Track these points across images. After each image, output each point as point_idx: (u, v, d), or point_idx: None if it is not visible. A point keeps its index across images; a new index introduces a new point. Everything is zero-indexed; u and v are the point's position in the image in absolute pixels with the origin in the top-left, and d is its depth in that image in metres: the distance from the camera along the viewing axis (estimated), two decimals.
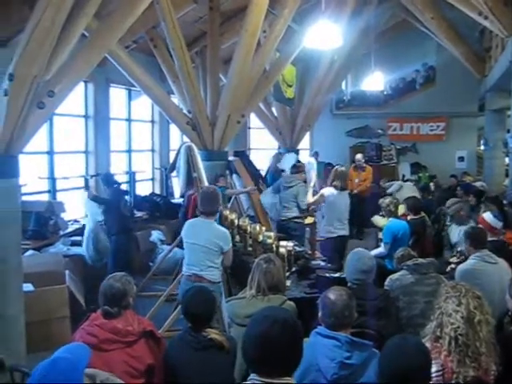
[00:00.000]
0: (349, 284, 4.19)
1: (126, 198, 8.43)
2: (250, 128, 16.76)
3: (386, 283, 4.92)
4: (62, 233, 8.26)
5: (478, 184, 11.44)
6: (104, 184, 8.50)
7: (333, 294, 3.30)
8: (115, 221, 7.99)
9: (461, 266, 5.12)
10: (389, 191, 10.76)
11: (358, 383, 3.03)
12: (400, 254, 5.32)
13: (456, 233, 7.35)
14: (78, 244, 8.03)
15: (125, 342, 3.45)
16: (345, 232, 7.95)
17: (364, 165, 12.69)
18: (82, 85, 9.64)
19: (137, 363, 3.42)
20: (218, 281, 5.40)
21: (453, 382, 3.07)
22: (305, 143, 15.39)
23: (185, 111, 8.91)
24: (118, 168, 10.94)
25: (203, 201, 5.48)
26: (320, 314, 3.30)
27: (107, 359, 3.28)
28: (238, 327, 3.79)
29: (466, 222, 7.28)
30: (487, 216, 6.27)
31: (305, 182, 8.59)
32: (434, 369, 3.09)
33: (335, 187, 7.94)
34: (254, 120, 15.33)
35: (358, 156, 12.75)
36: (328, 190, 7.97)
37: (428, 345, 3.15)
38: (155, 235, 9.77)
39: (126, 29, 5.93)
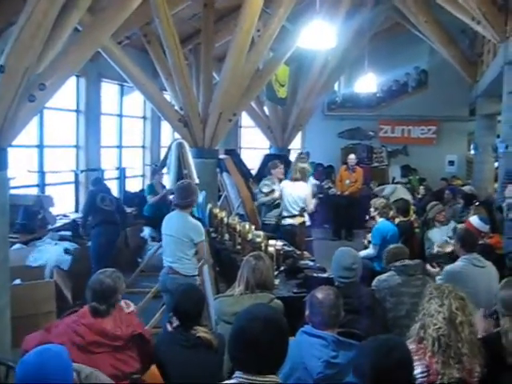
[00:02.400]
0: (336, 283, 4.20)
1: (107, 193, 8.34)
2: (241, 127, 16.76)
3: (373, 283, 4.94)
4: (50, 227, 8.22)
5: (466, 188, 11.50)
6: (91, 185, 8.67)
7: (320, 293, 3.31)
8: (92, 215, 8.09)
9: (449, 267, 5.14)
10: (383, 194, 10.76)
11: (343, 382, 3.03)
12: (392, 252, 5.27)
13: (437, 235, 7.40)
14: (66, 239, 7.98)
15: (112, 346, 3.40)
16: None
17: (355, 166, 12.71)
18: (73, 79, 9.59)
19: (125, 367, 3.38)
20: (191, 274, 5.48)
21: (437, 383, 3.08)
22: (296, 143, 15.40)
23: (177, 108, 8.90)
24: (108, 163, 10.90)
25: (178, 194, 5.63)
26: (307, 312, 3.31)
27: (94, 361, 3.19)
28: (225, 324, 3.79)
29: (446, 223, 7.36)
30: (473, 220, 6.33)
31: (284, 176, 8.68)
32: (418, 370, 3.11)
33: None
34: (245, 119, 15.32)
35: (351, 156, 12.75)
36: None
37: (413, 346, 3.17)
38: (147, 231, 9.73)
39: (120, 24, 5.91)
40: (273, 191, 8.42)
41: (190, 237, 5.40)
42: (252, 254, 4.23)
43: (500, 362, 3.08)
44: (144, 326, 3.82)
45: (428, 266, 5.64)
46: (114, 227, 8.15)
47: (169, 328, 3.65)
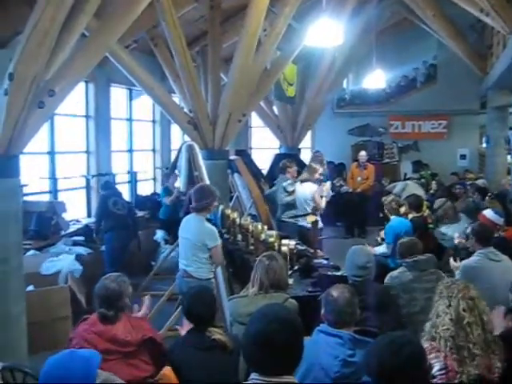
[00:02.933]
0: (350, 281, 4.18)
1: (118, 197, 8.43)
2: (251, 127, 16.74)
3: (385, 280, 4.91)
4: (63, 233, 8.26)
5: (479, 182, 11.41)
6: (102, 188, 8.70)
7: (335, 291, 3.31)
8: (105, 219, 8.14)
9: (465, 262, 5.11)
10: (394, 192, 10.70)
11: (360, 382, 3.00)
12: (405, 245, 5.17)
13: (448, 232, 7.35)
14: (80, 244, 8.02)
15: (124, 353, 3.40)
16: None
17: (366, 163, 12.65)
18: (82, 85, 9.63)
19: (138, 372, 3.38)
20: (205, 278, 5.46)
21: (456, 381, 3.04)
22: (306, 142, 15.37)
23: (186, 110, 8.90)
24: (119, 168, 10.93)
25: (194, 197, 5.61)
26: (323, 311, 3.30)
27: (106, 369, 3.10)
28: (239, 326, 3.78)
29: (455, 221, 7.29)
30: (488, 213, 6.28)
31: (298, 174, 8.69)
32: (436, 367, 3.08)
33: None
34: (255, 119, 15.31)
35: (362, 153, 12.69)
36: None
37: (427, 344, 3.14)
38: (160, 234, 9.75)
39: (126, 28, 5.91)
40: (294, 191, 8.43)
41: (204, 242, 5.38)
42: (265, 254, 4.22)
43: None
44: (155, 330, 3.80)
45: (451, 260, 5.58)
46: (126, 231, 8.19)
47: (181, 332, 3.63)
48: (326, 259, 6.52)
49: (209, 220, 6.18)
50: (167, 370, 3.59)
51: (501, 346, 3.17)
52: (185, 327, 3.63)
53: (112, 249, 7.97)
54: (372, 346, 2.53)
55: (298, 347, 2.20)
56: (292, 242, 5.79)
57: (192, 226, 5.50)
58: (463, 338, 3.10)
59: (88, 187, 9.91)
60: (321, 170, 8.80)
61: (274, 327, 2.14)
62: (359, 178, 12.43)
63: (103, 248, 8.14)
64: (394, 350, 2.34)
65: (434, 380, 3.10)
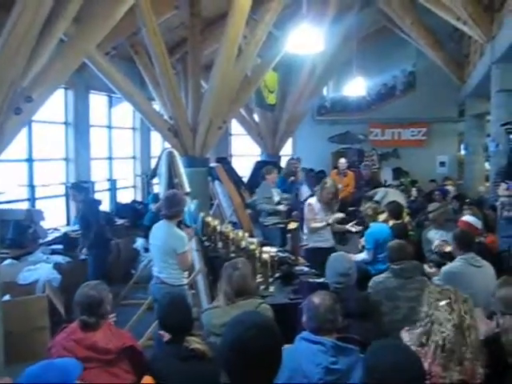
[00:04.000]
0: (331, 288, 4.15)
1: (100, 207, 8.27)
2: (231, 134, 16.72)
3: (370, 284, 4.89)
4: (41, 241, 8.13)
5: (449, 188, 11.50)
6: (76, 192, 8.06)
7: (317, 298, 3.27)
8: (95, 233, 7.74)
9: (446, 268, 5.11)
10: (375, 199, 10.73)
11: None
12: (394, 247, 5.09)
13: (435, 237, 7.36)
14: (58, 252, 7.90)
15: (104, 361, 3.34)
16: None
17: (346, 170, 12.66)
18: (61, 91, 9.54)
19: (118, 381, 3.31)
20: (177, 284, 5.45)
21: None
22: (287, 149, 15.40)
23: (166, 117, 8.86)
24: (98, 175, 10.83)
25: (164, 204, 5.64)
26: (304, 318, 3.27)
27: (86, 377, 3.09)
28: (215, 337, 3.70)
29: (445, 226, 7.31)
30: (467, 217, 6.32)
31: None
32: None
33: None
34: (235, 126, 15.31)
35: (342, 160, 12.66)
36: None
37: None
38: (140, 242, 9.66)
39: (105, 33, 5.87)
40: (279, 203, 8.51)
41: (173, 247, 5.39)
42: (228, 263, 4.15)
43: (501, 362, 3.03)
44: (135, 339, 3.74)
45: (425, 266, 5.59)
46: (111, 244, 8.10)
47: (164, 337, 3.57)
48: (308, 266, 6.50)
49: (185, 224, 6.16)
50: (147, 380, 3.53)
51: (484, 352, 3.16)
52: (166, 333, 3.57)
53: (101, 259, 7.82)
54: (369, 354, 2.49)
55: (276, 354, 2.14)
56: (273, 249, 5.77)
57: (162, 232, 5.51)
58: (459, 343, 3.06)
59: (67, 195, 9.78)
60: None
61: (250, 334, 2.07)
62: (340, 186, 12.40)
63: (83, 257, 7.96)
64: (381, 355, 2.35)
65: None
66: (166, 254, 5.41)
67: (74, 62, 5.56)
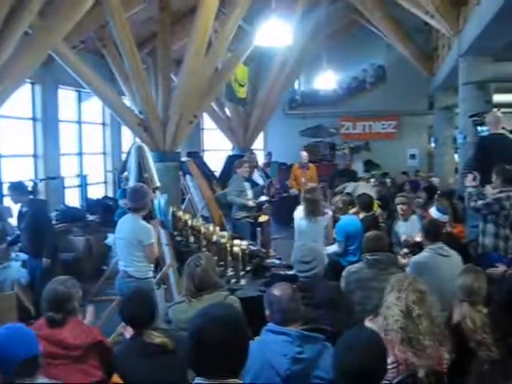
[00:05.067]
0: (300, 279, 4.17)
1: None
2: (203, 129, 16.68)
3: (343, 274, 4.92)
4: (9, 238, 7.99)
5: (434, 180, 11.60)
6: (18, 194, 7.13)
7: (277, 290, 3.30)
8: (46, 239, 7.03)
9: (414, 258, 5.18)
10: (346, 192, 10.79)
11: (311, 377, 3.00)
12: (370, 238, 5.10)
13: (402, 229, 7.44)
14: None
15: (72, 357, 3.29)
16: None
17: (308, 163, 12.67)
18: (28, 86, 9.40)
19: (86, 377, 3.27)
20: (144, 277, 5.42)
21: (405, 373, 3.08)
22: (258, 143, 15.40)
23: (136, 112, 8.79)
24: (68, 171, 10.71)
25: (129, 197, 5.58)
26: (267, 311, 3.28)
27: (53, 374, 3.07)
28: (182, 332, 3.68)
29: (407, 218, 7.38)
30: (432, 211, 6.41)
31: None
32: (388, 361, 3.11)
33: None
34: (207, 121, 15.26)
35: (304, 154, 12.58)
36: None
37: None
38: (111, 238, 9.55)
39: (71, 26, 5.82)
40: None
41: (140, 239, 5.34)
42: (191, 257, 4.14)
43: (463, 348, 3.10)
44: (104, 335, 3.70)
45: (399, 258, 5.66)
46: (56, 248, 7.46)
47: (126, 335, 3.55)
48: (279, 259, 6.52)
49: (152, 218, 6.12)
50: (116, 378, 3.50)
51: (448, 339, 3.24)
52: (129, 329, 3.55)
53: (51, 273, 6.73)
54: (337, 345, 2.56)
55: (239, 346, 2.12)
56: (244, 243, 5.77)
57: (127, 225, 5.46)
58: (412, 330, 3.15)
59: (35, 191, 9.63)
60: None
61: (212, 326, 2.06)
62: (303, 179, 12.44)
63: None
64: (350, 344, 2.43)
65: (388, 374, 3.13)
66: (133, 246, 5.36)
67: (40, 55, 5.50)
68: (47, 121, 9.88)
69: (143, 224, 5.49)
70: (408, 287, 3.30)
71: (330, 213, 6.83)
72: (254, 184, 9.62)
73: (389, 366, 3.08)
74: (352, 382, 2.37)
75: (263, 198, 8.72)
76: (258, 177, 10.44)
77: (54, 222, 9.18)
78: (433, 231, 5.21)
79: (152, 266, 5.61)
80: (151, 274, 5.59)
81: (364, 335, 2.56)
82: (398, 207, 7.10)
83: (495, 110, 7.89)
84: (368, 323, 3.59)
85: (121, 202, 9.03)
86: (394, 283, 3.41)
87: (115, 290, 6.25)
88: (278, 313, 3.19)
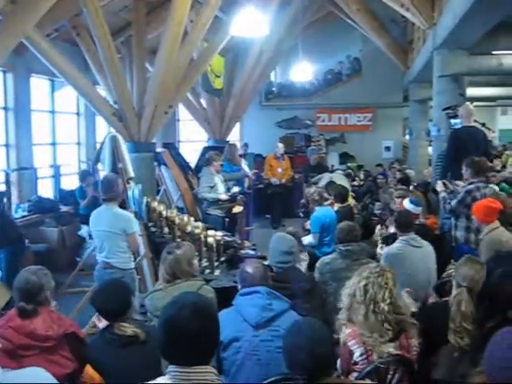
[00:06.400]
0: (274, 269, 4.18)
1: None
2: (179, 120, 16.59)
3: (316, 265, 4.95)
4: None
5: (410, 172, 11.70)
6: None
7: (249, 267, 3.50)
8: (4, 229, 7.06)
9: (387, 249, 5.25)
10: (320, 184, 10.83)
11: (281, 329, 3.16)
12: (343, 229, 5.12)
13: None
14: None
15: (43, 348, 3.25)
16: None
17: (284, 155, 12.74)
18: (0, 75, 9.23)
19: (58, 368, 3.21)
20: (128, 267, 5.41)
21: (375, 363, 3.12)
22: (235, 135, 15.38)
23: (111, 102, 8.69)
24: (41, 162, 10.57)
25: (103, 188, 5.52)
26: (240, 287, 3.48)
27: (24, 365, 3.00)
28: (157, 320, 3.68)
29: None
30: (405, 202, 6.48)
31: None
32: (357, 353, 3.16)
33: None
34: (182, 112, 15.18)
35: (280, 145, 12.69)
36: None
37: (348, 330, 3.26)
38: (85, 229, 9.47)
39: (43, 12, 5.71)
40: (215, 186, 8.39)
41: (123, 228, 5.31)
42: (168, 245, 4.14)
43: (440, 333, 3.16)
44: (78, 326, 3.66)
45: (378, 249, 5.73)
46: (20, 236, 7.45)
47: (100, 326, 3.52)
48: (253, 249, 6.52)
49: (135, 213, 6.10)
50: (88, 368, 3.47)
51: (414, 326, 3.30)
52: (103, 320, 3.52)
53: (15, 257, 7.07)
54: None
55: (210, 335, 2.13)
56: (219, 233, 5.76)
57: (106, 216, 5.39)
58: (374, 318, 3.20)
59: (8, 182, 9.50)
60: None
61: (183, 314, 2.07)
62: (279, 170, 12.50)
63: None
64: (296, 332, 2.55)
65: (356, 366, 3.17)
66: (116, 237, 5.32)
67: (11, 42, 5.40)
68: (19, 110, 9.71)
69: (124, 213, 5.47)
70: (371, 275, 3.32)
71: None
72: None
73: (358, 358, 3.14)
74: (297, 363, 2.47)
75: (235, 190, 8.68)
76: (244, 165, 10.43)
77: (25, 213, 9.11)
78: (404, 222, 5.26)
79: (132, 256, 5.58)
80: (133, 264, 5.56)
81: (308, 320, 2.74)
82: (397, 200, 7.13)
83: (467, 103, 7.97)
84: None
85: (81, 204, 8.92)
86: (361, 271, 3.44)
87: (93, 281, 6.21)
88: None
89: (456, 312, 3.10)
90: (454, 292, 3.30)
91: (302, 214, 7.62)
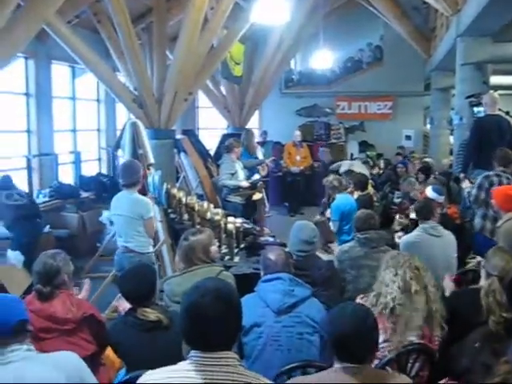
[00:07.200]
0: (294, 257, 4.16)
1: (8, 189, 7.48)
2: (198, 107, 16.59)
3: (335, 253, 4.93)
4: None
5: (428, 159, 11.61)
6: None
7: (272, 254, 3.54)
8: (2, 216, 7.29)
9: (404, 238, 5.22)
10: (340, 171, 10.78)
11: (303, 315, 3.25)
12: (360, 217, 5.08)
13: None
14: None
15: (63, 331, 3.29)
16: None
17: (302, 143, 12.73)
18: (22, 61, 9.30)
19: (79, 350, 3.22)
20: (146, 251, 5.43)
21: (395, 351, 3.10)
22: (254, 122, 15.34)
23: (131, 89, 8.72)
24: (62, 148, 10.65)
25: (122, 173, 5.55)
26: (263, 274, 3.50)
27: (45, 348, 3.03)
28: (176, 305, 3.68)
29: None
30: (427, 191, 6.43)
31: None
32: (380, 339, 3.13)
33: None
34: (202, 99, 15.18)
35: (297, 133, 12.70)
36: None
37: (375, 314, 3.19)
38: (106, 215, 9.52)
39: None
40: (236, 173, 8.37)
41: (140, 213, 5.34)
42: (187, 231, 4.13)
43: (467, 321, 3.15)
44: (97, 309, 3.69)
45: (396, 237, 5.70)
46: (32, 222, 7.49)
47: (119, 307, 3.53)
48: (273, 237, 6.53)
49: (154, 199, 6.12)
50: (109, 351, 3.50)
51: (443, 317, 3.28)
52: (124, 304, 3.54)
53: (20, 245, 7.11)
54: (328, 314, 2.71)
55: (232, 320, 2.12)
56: (238, 220, 5.77)
57: (125, 201, 5.42)
58: (408, 307, 3.20)
59: (29, 168, 9.59)
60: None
61: (205, 300, 2.06)
62: (298, 157, 12.48)
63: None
64: (340, 312, 2.48)
65: (379, 352, 3.15)
66: (134, 221, 5.35)
67: (33, 27, 5.41)
68: (40, 96, 9.77)
69: (142, 198, 5.49)
70: (404, 264, 3.34)
71: None
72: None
73: (382, 344, 3.11)
74: (341, 345, 2.41)
75: (256, 177, 8.67)
76: (260, 153, 10.41)
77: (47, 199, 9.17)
78: (423, 210, 5.22)
79: (151, 240, 5.61)
80: (151, 248, 5.60)
81: (352, 305, 2.64)
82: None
83: (491, 91, 7.86)
84: (359, 301, 3.62)
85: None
86: (389, 260, 3.44)
87: (113, 266, 6.26)
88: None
89: (493, 303, 3.07)
90: (484, 282, 3.28)
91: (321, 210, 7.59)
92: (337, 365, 2.42)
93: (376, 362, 3.15)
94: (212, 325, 2.06)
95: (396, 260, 3.40)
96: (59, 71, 10.66)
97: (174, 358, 2.57)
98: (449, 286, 4.17)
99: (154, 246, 5.86)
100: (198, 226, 6.20)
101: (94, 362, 3.30)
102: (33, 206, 7.55)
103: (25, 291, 5.71)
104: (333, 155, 13.14)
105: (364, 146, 15.46)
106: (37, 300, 3.34)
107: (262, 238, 6.23)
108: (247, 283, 3.94)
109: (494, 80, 10.57)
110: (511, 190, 5.03)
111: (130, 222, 5.37)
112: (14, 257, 6.86)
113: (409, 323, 3.18)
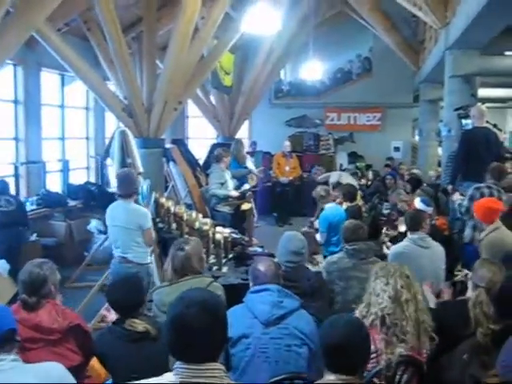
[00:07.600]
0: (282, 267, 4.14)
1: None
2: (188, 117, 16.59)
3: (323, 265, 4.92)
4: None
5: (415, 171, 11.67)
6: None
7: (262, 265, 3.50)
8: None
9: (393, 248, 5.22)
10: (330, 182, 10.79)
11: (291, 327, 3.22)
12: (348, 228, 5.08)
13: None
14: None
15: (49, 341, 3.24)
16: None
17: (292, 153, 12.75)
18: (10, 68, 9.24)
19: (64, 361, 3.18)
20: (145, 262, 5.40)
21: (383, 362, 3.09)
22: (243, 132, 15.35)
23: (120, 97, 8.69)
24: (50, 156, 10.58)
25: (119, 184, 5.53)
26: (252, 285, 3.48)
27: (30, 358, 2.99)
28: (165, 316, 3.65)
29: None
30: (416, 202, 6.45)
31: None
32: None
33: None
34: (192, 108, 15.17)
35: (286, 143, 12.78)
36: None
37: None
38: (94, 224, 9.48)
39: (55, 6, 5.68)
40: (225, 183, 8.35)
41: (139, 223, 5.33)
42: (177, 240, 4.12)
43: (456, 333, 3.14)
44: (83, 320, 3.64)
45: (384, 248, 5.71)
46: (15, 229, 7.35)
47: (107, 316, 3.50)
48: (261, 247, 6.51)
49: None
50: (94, 362, 3.46)
51: (431, 327, 3.27)
52: (111, 315, 3.51)
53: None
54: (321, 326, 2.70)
55: (217, 332, 2.09)
56: (226, 230, 5.75)
57: (123, 211, 5.39)
58: (399, 316, 3.21)
59: (17, 175, 9.52)
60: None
61: (190, 311, 2.03)
62: (287, 168, 12.51)
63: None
64: (334, 323, 2.53)
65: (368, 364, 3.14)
66: (132, 232, 5.33)
67: (22, 35, 5.38)
68: (29, 104, 9.70)
69: (140, 208, 5.49)
70: (395, 273, 3.35)
71: None
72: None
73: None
74: (333, 356, 2.45)
75: (246, 187, 8.66)
76: (250, 163, 10.40)
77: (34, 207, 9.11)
78: (412, 222, 5.22)
79: (149, 251, 5.58)
80: (149, 259, 5.56)
81: (345, 316, 2.69)
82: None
83: (479, 103, 7.93)
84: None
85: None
86: (378, 271, 3.44)
87: (97, 276, 6.22)
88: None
89: (480, 314, 3.07)
90: (471, 293, 3.28)
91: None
92: (328, 376, 2.41)
93: (364, 373, 3.14)
94: (197, 336, 2.03)
95: (386, 270, 3.40)
96: (48, 79, 10.61)
97: (161, 368, 2.54)
98: (431, 296, 4.18)
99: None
100: (186, 236, 6.18)
101: (79, 372, 3.26)
102: (18, 214, 7.41)
103: (10, 300, 5.66)
104: (322, 166, 13.19)
105: (353, 157, 15.52)
106: (22, 309, 3.29)
107: (251, 249, 6.22)
108: (235, 293, 3.91)
109: (482, 92, 10.67)
110: (491, 202, 5.06)
111: (128, 233, 5.34)
112: (0, 265, 6.78)
113: (400, 334, 3.17)
